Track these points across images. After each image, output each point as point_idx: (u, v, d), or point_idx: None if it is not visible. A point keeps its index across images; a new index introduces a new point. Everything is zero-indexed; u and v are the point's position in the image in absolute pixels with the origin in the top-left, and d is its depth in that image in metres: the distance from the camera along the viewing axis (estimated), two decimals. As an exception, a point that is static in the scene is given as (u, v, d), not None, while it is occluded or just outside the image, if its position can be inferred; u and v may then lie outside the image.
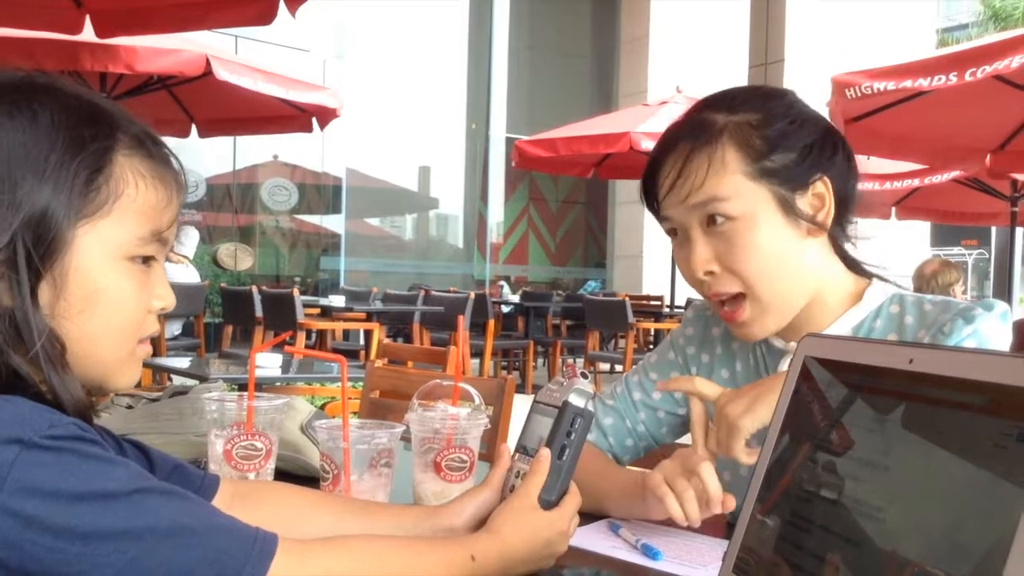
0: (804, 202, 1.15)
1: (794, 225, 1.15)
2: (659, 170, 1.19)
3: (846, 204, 1.18)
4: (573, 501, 0.98)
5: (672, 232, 1.22)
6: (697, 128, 1.16)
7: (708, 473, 1.05)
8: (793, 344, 1.23)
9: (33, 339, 0.75)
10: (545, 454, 0.96)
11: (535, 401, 1.02)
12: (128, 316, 0.82)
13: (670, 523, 1.09)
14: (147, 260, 0.83)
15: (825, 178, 1.15)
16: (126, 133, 0.82)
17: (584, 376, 0.99)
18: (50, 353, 0.76)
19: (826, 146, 1.17)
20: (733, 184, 1.13)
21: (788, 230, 1.14)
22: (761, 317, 1.17)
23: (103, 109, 0.82)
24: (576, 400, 0.97)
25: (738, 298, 1.17)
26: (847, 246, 1.23)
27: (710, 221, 1.15)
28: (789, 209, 1.14)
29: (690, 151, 1.15)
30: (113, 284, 0.80)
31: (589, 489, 1.07)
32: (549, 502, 0.96)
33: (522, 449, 1.01)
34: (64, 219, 0.77)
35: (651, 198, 1.22)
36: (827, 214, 1.16)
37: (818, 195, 1.16)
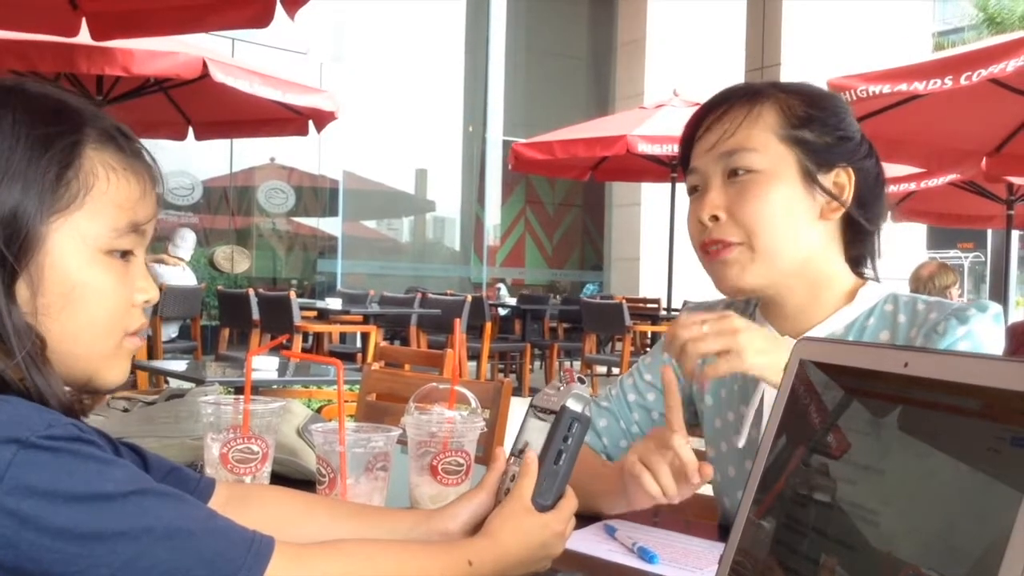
0: (826, 181, 1.18)
1: (810, 199, 1.18)
2: (699, 120, 1.24)
3: (864, 206, 1.21)
4: (569, 504, 0.98)
5: (693, 189, 1.25)
6: (744, 89, 1.24)
7: (681, 445, 1.06)
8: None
9: (9, 337, 0.75)
10: (531, 456, 0.96)
11: (532, 405, 1.02)
12: (109, 310, 0.82)
13: (662, 522, 1.09)
14: (125, 255, 0.83)
15: (851, 169, 1.19)
16: (94, 128, 0.82)
17: (581, 381, 0.99)
18: (28, 350, 0.76)
19: (861, 147, 1.22)
20: (763, 139, 1.17)
21: (803, 200, 1.18)
22: (746, 263, 1.18)
23: (70, 106, 0.82)
24: (573, 405, 0.97)
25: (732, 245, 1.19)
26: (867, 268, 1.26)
27: (732, 174, 1.18)
28: (810, 180, 1.17)
29: (732, 105, 1.21)
30: (91, 279, 0.80)
31: (582, 490, 1.06)
32: (545, 506, 0.95)
33: (518, 452, 1.00)
34: (35, 215, 0.77)
35: (686, 152, 1.26)
36: (842, 203, 1.19)
37: (839, 183, 1.19)
